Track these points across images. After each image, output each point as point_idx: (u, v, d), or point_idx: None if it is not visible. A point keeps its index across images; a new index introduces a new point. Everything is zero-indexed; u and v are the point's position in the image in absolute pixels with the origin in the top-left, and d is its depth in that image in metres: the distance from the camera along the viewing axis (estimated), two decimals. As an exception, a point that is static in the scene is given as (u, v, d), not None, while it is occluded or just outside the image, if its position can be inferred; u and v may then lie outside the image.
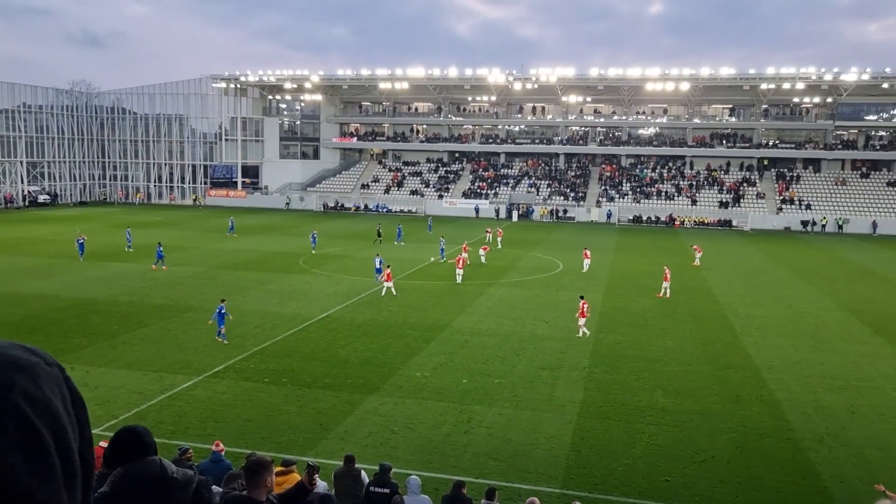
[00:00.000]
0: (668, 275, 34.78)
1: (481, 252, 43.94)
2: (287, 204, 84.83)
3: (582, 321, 26.32)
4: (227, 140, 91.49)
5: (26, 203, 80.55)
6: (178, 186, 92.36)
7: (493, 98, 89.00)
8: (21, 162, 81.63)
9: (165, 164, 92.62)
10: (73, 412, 1.21)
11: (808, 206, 74.86)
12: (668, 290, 34.29)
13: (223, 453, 11.99)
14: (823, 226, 71.57)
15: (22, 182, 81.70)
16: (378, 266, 36.14)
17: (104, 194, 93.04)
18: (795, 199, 76.66)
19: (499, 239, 52.00)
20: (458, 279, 36.60)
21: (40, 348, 1.33)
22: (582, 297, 27.52)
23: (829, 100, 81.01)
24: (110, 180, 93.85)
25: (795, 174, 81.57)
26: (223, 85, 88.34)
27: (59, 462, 1.14)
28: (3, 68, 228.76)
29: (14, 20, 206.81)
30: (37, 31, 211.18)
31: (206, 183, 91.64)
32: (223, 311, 24.56)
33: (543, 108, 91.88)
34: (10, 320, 27.02)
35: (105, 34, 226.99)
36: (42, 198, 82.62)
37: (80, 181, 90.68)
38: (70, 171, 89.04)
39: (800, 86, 76.57)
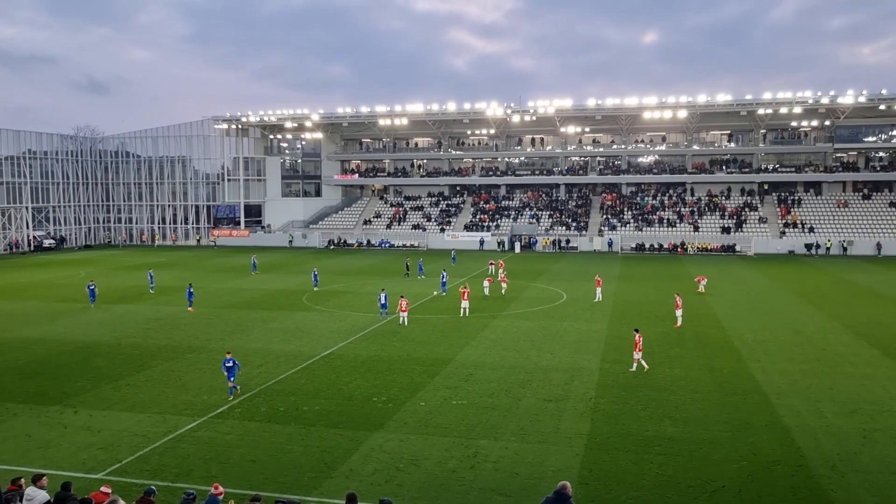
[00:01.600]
0: (679, 302, 34.58)
1: (485, 283, 43.94)
2: (290, 242, 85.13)
3: (637, 355, 25.46)
4: (229, 180, 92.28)
5: (32, 248, 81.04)
6: (181, 227, 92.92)
7: (493, 131, 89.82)
8: (27, 207, 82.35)
9: (169, 205, 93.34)
10: None
11: (812, 230, 74.84)
12: (681, 318, 34.08)
13: (221, 496, 11.84)
14: (828, 248, 71.42)
15: (27, 227, 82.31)
16: (383, 302, 36.10)
17: (109, 237, 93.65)
18: (798, 222, 76.68)
19: (501, 271, 51.96)
20: (463, 312, 36.46)
21: None
22: (637, 331, 26.48)
23: (828, 123, 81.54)
24: (115, 223, 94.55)
25: (797, 198, 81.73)
26: (225, 126, 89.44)
27: None
28: (10, 116, 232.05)
29: (20, 69, 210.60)
30: (42, 80, 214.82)
31: (211, 223, 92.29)
32: (229, 364, 22.75)
33: (542, 140, 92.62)
34: (14, 365, 26.97)
35: (109, 80, 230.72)
36: (47, 242, 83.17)
37: (85, 225, 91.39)
38: (75, 215, 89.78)
39: (797, 110, 77.05)
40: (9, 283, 51.48)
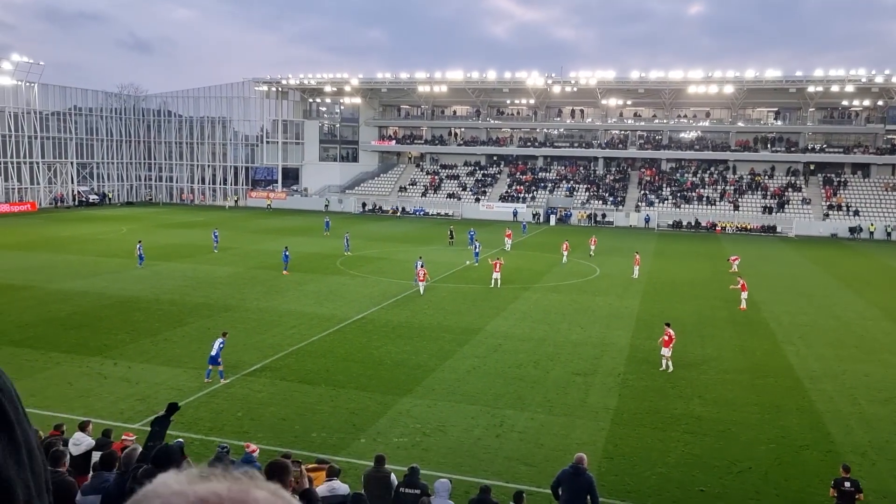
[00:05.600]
0: (745, 284, 33.19)
1: (564, 253, 45.66)
2: (326, 206, 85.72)
3: (666, 351, 22.62)
4: (268, 142, 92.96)
5: (76, 203, 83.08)
6: (220, 188, 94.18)
7: (532, 101, 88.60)
8: (72, 163, 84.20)
9: (209, 165, 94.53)
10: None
11: (857, 213, 72.76)
12: (745, 301, 32.78)
13: (256, 454, 12.19)
14: (871, 233, 69.47)
15: (72, 182, 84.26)
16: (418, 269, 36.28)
17: (150, 195, 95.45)
18: (843, 204, 74.61)
19: (507, 241, 51.63)
20: (495, 283, 36.47)
21: None
22: (668, 324, 23.55)
23: (881, 103, 78.61)
24: (156, 181, 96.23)
25: (843, 179, 79.39)
26: (265, 88, 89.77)
27: (25, 452, 1.15)
28: (57, 72, 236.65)
29: (67, 27, 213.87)
30: (88, 37, 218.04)
31: (249, 185, 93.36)
32: (222, 346, 20.48)
33: (582, 112, 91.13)
34: (58, 316, 27.90)
35: (153, 39, 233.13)
36: (92, 198, 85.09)
37: (128, 182, 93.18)
38: (118, 172, 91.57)
39: (849, 88, 74.42)
40: (54, 235, 52.98)
